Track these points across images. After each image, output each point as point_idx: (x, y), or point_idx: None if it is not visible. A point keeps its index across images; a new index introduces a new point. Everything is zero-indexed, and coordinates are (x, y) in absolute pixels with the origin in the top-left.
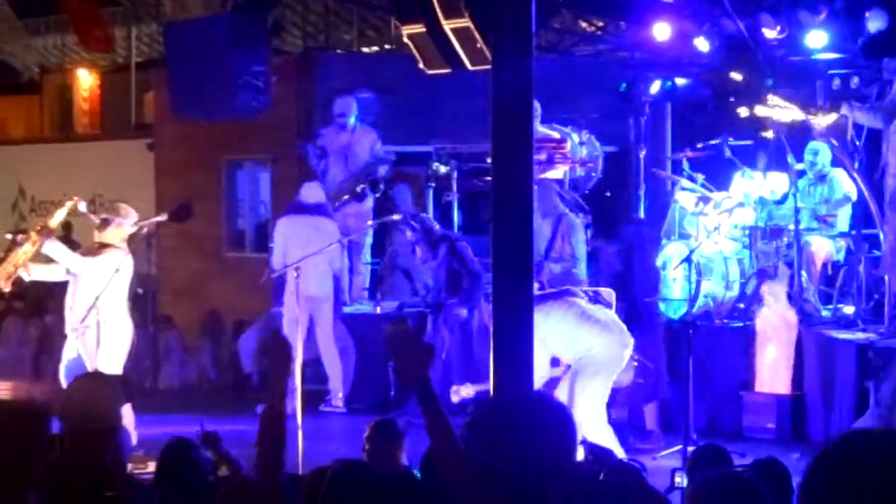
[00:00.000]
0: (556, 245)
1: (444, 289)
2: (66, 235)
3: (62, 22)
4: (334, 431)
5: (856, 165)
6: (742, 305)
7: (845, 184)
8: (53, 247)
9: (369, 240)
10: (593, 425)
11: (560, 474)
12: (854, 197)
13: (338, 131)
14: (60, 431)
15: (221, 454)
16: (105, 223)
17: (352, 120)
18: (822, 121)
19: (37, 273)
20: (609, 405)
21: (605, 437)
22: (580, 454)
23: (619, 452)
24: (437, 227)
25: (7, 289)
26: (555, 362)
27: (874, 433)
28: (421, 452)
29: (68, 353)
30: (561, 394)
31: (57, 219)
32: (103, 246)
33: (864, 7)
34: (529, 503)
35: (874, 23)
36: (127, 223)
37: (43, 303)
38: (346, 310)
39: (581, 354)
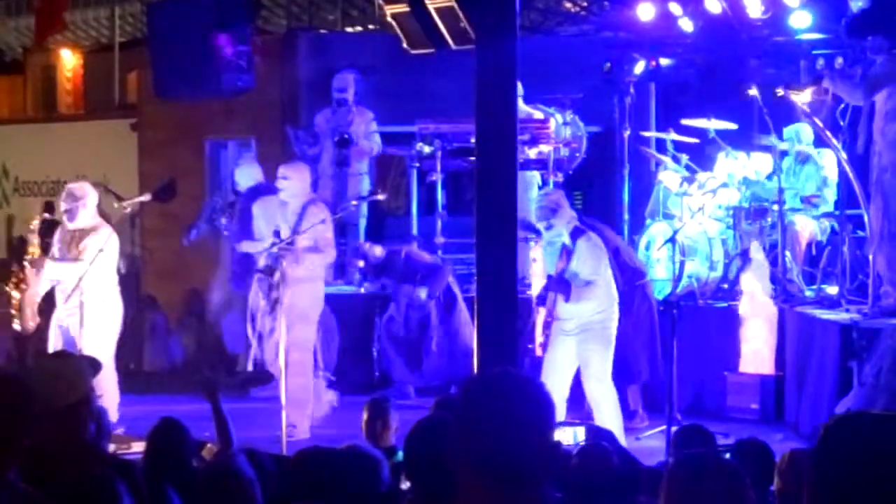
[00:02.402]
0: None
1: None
2: (50, 217)
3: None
4: None
5: (840, 145)
6: (726, 286)
7: (826, 167)
8: (53, 269)
9: (363, 221)
10: (613, 396)
11: (535, 453)
12: (833, 179)
13: (334, 111)
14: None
15: (218, 409)
16: (71, 214)
17: (350, 96)
18: (802, 97)
19: (45, 287)
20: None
21: (618, 410)
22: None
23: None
24: (379, 252)
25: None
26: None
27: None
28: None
29: (55, 331)
30: (565, 367)
31: (34, 242)
32: (84, 233)
33: None
34: (504, 481)
35: (858, 1)
36: (89, 199)
37: None
38: (330, 290)
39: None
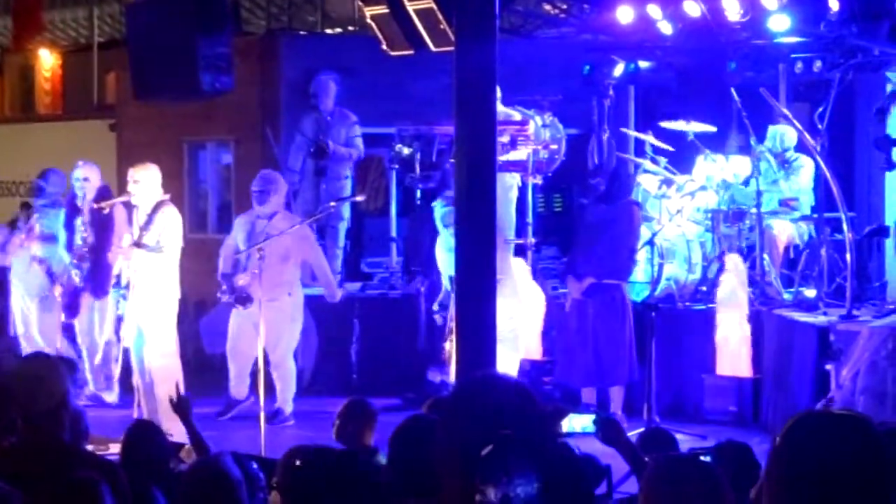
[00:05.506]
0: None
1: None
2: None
3: None
4: (296, 414)
5: (818, 148)
6: (704, 288)
7: (805, 174)
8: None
9: (345, 224)
10: None
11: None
12: (806, 189)
13: (315, 117)
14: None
15: (191, 427)
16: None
17: (329, 102)
18: None
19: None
20: (579, 385)
21: None
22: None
23: None
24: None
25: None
26: None
27: (822, 416)
28: (387, 434)
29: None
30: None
31: None
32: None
33: None
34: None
35: None
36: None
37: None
38: (309, 292)
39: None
